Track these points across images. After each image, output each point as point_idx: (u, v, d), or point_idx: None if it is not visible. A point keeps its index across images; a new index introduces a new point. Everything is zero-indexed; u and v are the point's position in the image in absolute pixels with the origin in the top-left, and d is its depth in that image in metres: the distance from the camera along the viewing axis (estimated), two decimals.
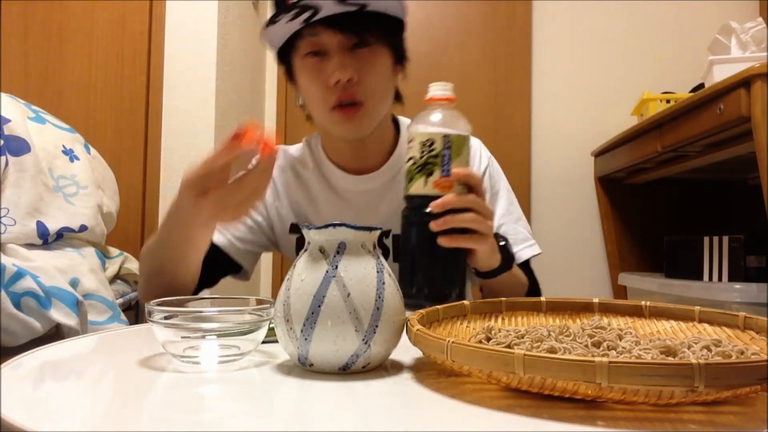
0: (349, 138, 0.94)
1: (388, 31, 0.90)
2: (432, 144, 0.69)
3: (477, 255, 0.76)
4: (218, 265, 0.97)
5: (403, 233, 0.75)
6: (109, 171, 1.53)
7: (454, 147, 0.70)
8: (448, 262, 0.72)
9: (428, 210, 0.69)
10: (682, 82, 2.08)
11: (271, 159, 0.70)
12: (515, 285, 0.89)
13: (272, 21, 0.85)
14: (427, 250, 0.71)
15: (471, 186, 0.74)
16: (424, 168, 0.69)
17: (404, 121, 1.04)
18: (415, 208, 0.72)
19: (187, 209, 0.73)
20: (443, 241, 0.70)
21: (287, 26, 0.85)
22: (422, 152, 0.69)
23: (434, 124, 0.71)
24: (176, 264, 0.82)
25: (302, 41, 0.87)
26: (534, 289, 0.96)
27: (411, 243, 0.73)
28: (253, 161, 0.70)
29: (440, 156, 0.69)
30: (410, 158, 0.72)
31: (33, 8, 1.86)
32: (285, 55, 0.93)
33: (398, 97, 0.99)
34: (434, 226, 0.70)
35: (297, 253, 1.01)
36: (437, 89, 0.74)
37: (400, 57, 0.95)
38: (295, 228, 1.03)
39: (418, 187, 0.70)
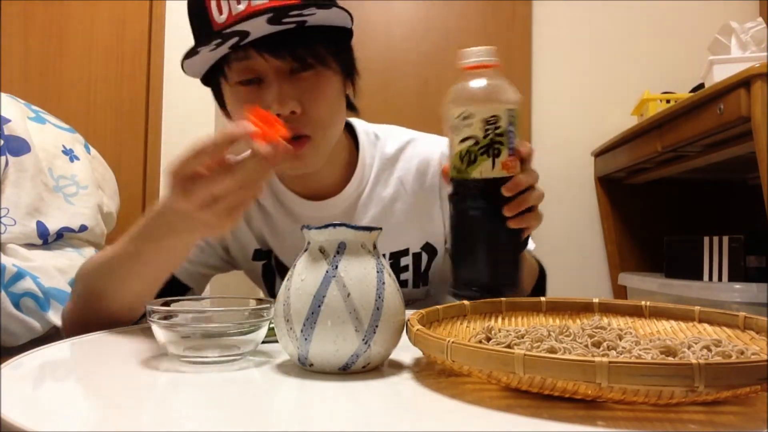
0: (297, 173, 0.85)
1: (334, 47, 0.77)
2: (497, 121, 0.60)
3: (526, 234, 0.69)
4: (164, 287, 0.77)
5: (468, 221, 0.65)
6: (109, 171, 1.53)
7: (516, 120, 0.62)
8: (515, 246, 0.66)
9: (505, 193, 0.62)
10: (682, 82, 2.08)
11: (282, 143, 0.57)
12: (530, 268, 0.85)
13: (192, 52, 0.71)
14: (499, 234, 0.64)
15: (530, 155, 0.66)
16: (491, 148, 0.61)
17: (360, 126, 0.95)
18: (482, 192, 0.63)
19: (174, 205, 0.61)
20: (515, 223, 0.63)
21: (210, 54, 0.72)
22: (486, 131, 0.60)
23: (495, 94, 0.62)
24: (133, 284, 0.70)
25: (231, 68, 0.75)
26: (542, 277, 0.91)
27: (482, 230, 0.64)
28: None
29: (506, 134, 0.61)
30: (469, 137, 0.61)
31: (33, 8, 1.86)
32: (211, 78, 0.80)
33: (351, 107, 0.87)
34: (508, 211, 0.62)
35: (264, 281, 0.97)
36: (482, 55, 0.63)
37: (350, 73, 0.83)
38: (259, 254, 0.95)
39: (486, 170, 0.61)
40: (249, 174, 0.57)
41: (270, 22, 0.69)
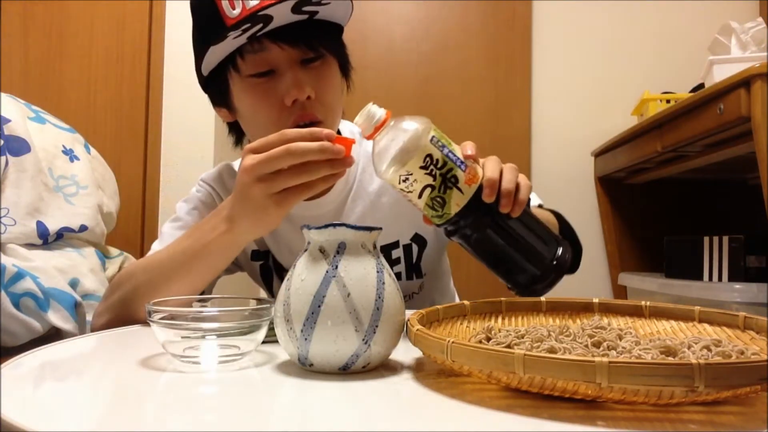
0: None
1: (338, 41, 0.84)
2: (431, 158, 0.58)
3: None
4: None
5: (483, 243, 0.63)
6: (109, 171, 1.53)
7: (444, 141, 0.59)
8: (534, 222, 0.64)
9: (488, 201, 0.60)
10: (682, 82, 2.08)
11: (349, 162, 0.64)
12: (547, 220, 0.84)
13: (219, 39, 0.74)
14: (516, 233, 0.62)
15: (475, 152, 0.63)
16: (446, 182, 0.59)
17: (345, 126, 0.98)
18: (471, 216, 0.61)
19: (242, 198, 0.67)
20: (516, 211, 0.61)
21: (228, 44, 0.75)
22: (431, 173, 0.58)
23: (410, 142, 0.58)
24: (181, 283, 0.73)
25: (246, 60, 0.78)
26: (564, 221, 0.90)
27: (499, 241, 0.62)
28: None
29: (447, 160, 0.58)
30: (424, 189, 0.59)
31: (33, 8, 1.86)
32: (214, 78, 0.83)
33: None
34: (505, 207, 0.60)
35: (263, 280, 0.99)
36: (370, 117, 0.59)
37: (346, 66, 0.88)
38: (256, 255, 0.98)
39: (459, 200, 0.59)
40: (310, 158, 0.62)
41: (294, 9, 0.73)
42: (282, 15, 0.73)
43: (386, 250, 0.95)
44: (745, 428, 0.37)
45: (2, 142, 1.17)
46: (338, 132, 0.95)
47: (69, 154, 1.35)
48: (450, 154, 0.58)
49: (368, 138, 0.60)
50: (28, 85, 1.84)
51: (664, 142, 1.67)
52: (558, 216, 0.91)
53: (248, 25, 0.73)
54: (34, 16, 1.86)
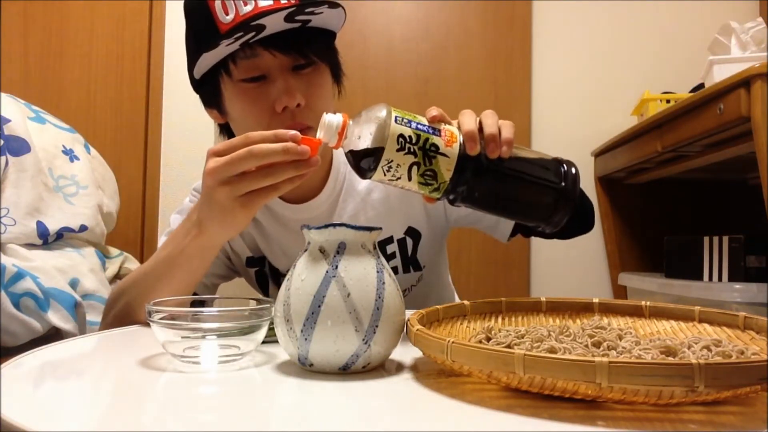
0: None
1: (329, 49, 0.84)
2: (403, 137, 0.57)
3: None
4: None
5: (486, 198, 0.62)
6: (109, 171, 1.53)
7: (407, 116, 0.58)
8: (527, 155, 0.63)
9: (474, 154, 0.59)
10: (682, 82, 2.08)
11: (314, 162, 0.62)
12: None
13: (212, 46, 0.74)
14: (517, 173, 0.61)
15: (442, 114, 0.61)
16: (428, 152, 0.58)
17: None
18: (468, 175, 0.60)
19: (208, 201, 0.67)
20: (507, 152, 0.60)
21: (220, 51, 0.76)
22: (410, 150, 0.57)
23: (377, 132, 0.57)
24: (164, 291, 0.74)
25: (238, 65, 0.78)
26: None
27: (505, 188, 0.62)
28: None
29: (420, 133, 0.57)
30: (410, 167, 0.58)
31: (33, 8, 1.86)
32: (207, 80, 0.83)
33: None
34: (494, 152, 0.59)
35: (259, 286, 1.00)
36: (331, 127, 0.59)
37: (337, 73, 0.88)
38: (251, 261, 0.98)
39: (447, 164, 0.58)
40: (274, 160, 0.61)
41: (287, 18, 0.73)
42: (275, 24, 0.74)
43: (381, 245, 0.96)
44: (745, 428, 0.37)
45: (2, 142, 1.17)
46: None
47: (69, 154, 1.35)
48: (419, 126, 0.58)
49: (336, 147, 0.60)
50: (28, 85, 1.84)
51: (664, 142, 1.67)
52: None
53: (240, 33, 0.73)
54: (34, 16, 1.86)
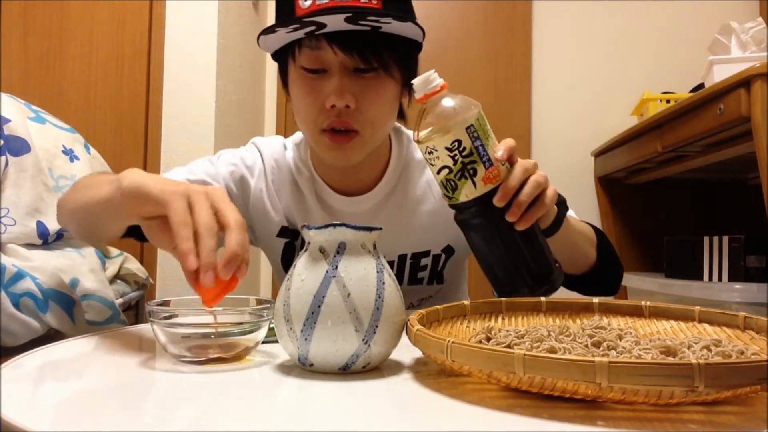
0: (336, 165, 0.87)
1: (401, 56, 0.82)
2: (459, 143, 0.59)
3: (549, 212, 0.68)
4: None
5: (479, 237, 0.64)
6: (109, 171, 1.53)
7: (480, 133, 0.60)
8: (536, 240, 0.64)
9: (496, 204, 0.60)
10: (682, 82, 2.08)
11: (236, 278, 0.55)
12: (583, 233, 0.81)
13: (269, 31, 0.76)
14: (510, 244, 0.62)
15: (511, 154, 0.62)
16: (465, 171, 0.59)
17: (401, 130, 0.97)
18: (477, 210, 0.62)
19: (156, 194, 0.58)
20: (521, 225, 0.61)
21: (287, 35, 0.77)
22: (453, 157, 0.59)
23: (447, 120, 0.60)
24: (100, 230, 0.76)
25: (302, 52, 0.79)
26: (603, 237, 0.87)
27: (493, 245, 0.63)
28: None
29: (474, 151, 0.59)
30: (442, 168, 0.60)
31: (33, 8, 1.86)
32: (281, 58, 0.85)
33: (401, 115, 0.91)
34: (511, 217, 0.60)
35: (282, 259, 0.96)
36: (426, 82, 0.61)
37: (409, 83, 0.86)
38: (284, 232, 0.95)
39: (470, 191, 0.60)
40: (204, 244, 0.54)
41: (348, 20, 0.73)
42: (336, 23, 0.73)
43: (417, 257, 0.95)
44: (745, 428, 0.37)
45: (2, 142, 1.17)
46: (387, 143, 0.94)
47: (69, 154, 1.35)
48: (480, 148, 0.60)
49: (418, 101, 0.62)
50: (28, 85, 1.84)
51: (664, 142, 1.67)
52: (598, 233, 0.88)
53: (297, 25, 0.74)
54: (34, 16, 1.86)
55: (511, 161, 0.62)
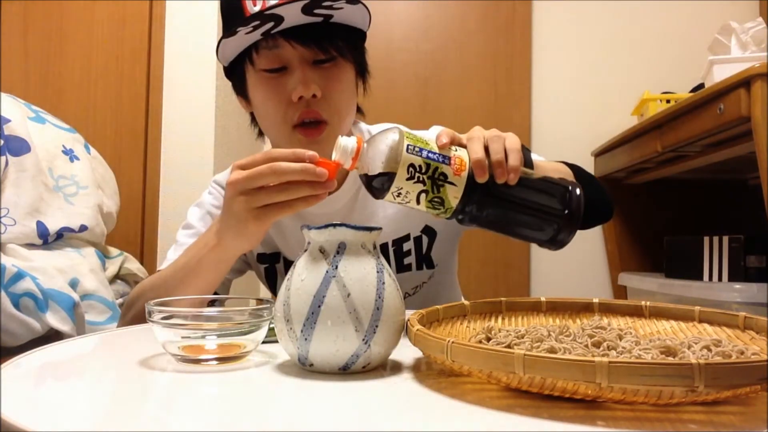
0: None
1: (352, 44, 0.85)
2: (413, 166, 0.58)
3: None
4: None
5: (491, 220, 0.63)
6: (109, 171, 1.53)
7: (420, 144, 0.59)
8: (535, 180, 0.64)
9: (482, 182, 0.60)
10: (682, 82, 2.08)
11: (330, 185, 0.64)
12: (556, 169, 0.82)
13: (230, 33, 0.77)
14: (522, 199, 0.62)
15: (452, 138, 0.63)
16: (437, 181, 0.59)
17: (360, 125, 0.99)
18: (474, 203, 0.61)
19: (227, 211, 0.69)
20: (513, 178, 0.61)
21: (244, 38, 0.78)
22: (419, 180, 0.59)
23: (388, 160, 0.59)
24: (186, 294, 0.77)
25: (260, 54, 0.81)
26: (580, 170, 0.89)
27: (510, 213, 0.63)
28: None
29: (430, 162, 0.59)
30: (419, 195, 0.60)
31: (33, 8, 1.86)
32: (236, 68, 0.86)
33: (359, 110, 0.94)
34: (501, 178, 0.60)
35: (268, 283, 1.00)
36: (345, 150, 0.61)
37: (362, 71, 0.90)
38: (262, 258, 0.99)
39: (455, 193, 0.60)
40: (292, 178, 0.63)
41: (304, 10, 0.75)
42: (294, 16, 0.75)
43: (398, 243, 0.96)
44: (745, 428, 0.37)
45: (2, 142, 1.17)
46: (351, 134, 0.95)
47: (69, 154, 1.35)
48: (430, 155, 0.59)
49: (350, 169, 0.62)
50: (28, 85, 1.84)
51: (664, 142, 1.67)
52: (573, 166, 0.89)
53: (258, 22, 0.75)
54: (34, 16, 1.86)
55: (460, 144, 0.62)
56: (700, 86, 1.77)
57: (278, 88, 0.81)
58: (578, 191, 0.63)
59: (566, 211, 0.62)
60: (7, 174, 1.16)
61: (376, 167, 0.59)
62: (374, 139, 0.61)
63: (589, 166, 2.29)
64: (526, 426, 0.37)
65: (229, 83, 0.93)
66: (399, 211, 0.94)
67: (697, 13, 2.30)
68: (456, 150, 0.61)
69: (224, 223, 0.71)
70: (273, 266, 1.00)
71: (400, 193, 0.60)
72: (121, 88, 1.87)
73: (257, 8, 0.77)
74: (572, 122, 2.35)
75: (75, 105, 1.85)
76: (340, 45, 0.82)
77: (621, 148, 2.00)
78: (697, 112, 1.48)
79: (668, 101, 1.90)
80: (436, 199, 0.60)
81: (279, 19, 0.75)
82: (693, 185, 2.15)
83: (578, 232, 0.99)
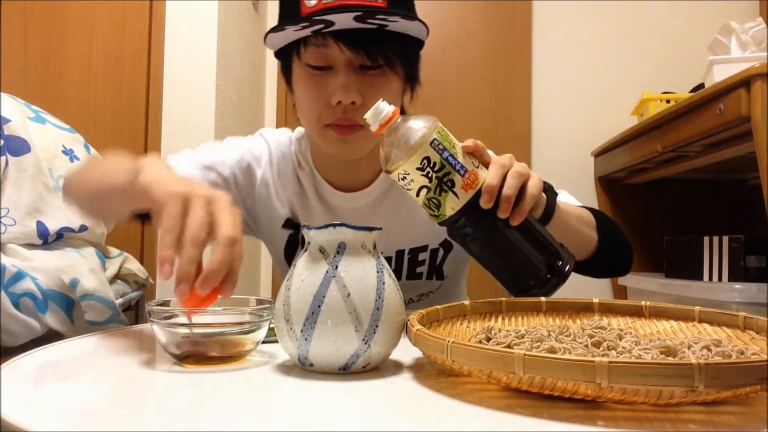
0: (341, 158, 0.87)
1: (405, 54, 0.83)
2: (428, 160, 0.58)
3: (538, 203, 0.67)
4: None
5: (478, 245, 0.63)
6: None
7: (446, 144, 0.59)
8: (536, 231, 0.63)
9: (485, 208, 0.59)
10: (682, 82, 2.08)
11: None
12: (579, 217, 0.78)
13: (279, 28, 0.77)
14: (513, 240, 0.61)
15: (478, 148, 0.62)
16: (443, 185, 0.59)
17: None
18: (467, 220, 0.61)
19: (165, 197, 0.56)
20: (516, 220, 0.60)
21: (293, 33, 0.78)
22: (427, 175, 0.58)
23: (410, 142, 0.58)
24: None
25: (308, 49, 0.80)
26: (604, 217, 0.85)
27: (495, 247, 0.62)
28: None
29: (445, 164, 0.58)
30: (420, 189, 0.59)
31: (33, 8, 1.86)
32: (285, 55, 0.85)
33: (402, 112, 0.90)
34: (503, 213, 0.59)
35: (285, 250, 0.96)
36: (377, 114, 0.61)
37: (411, 79, 0.89)
38: (289, 223, 0.95)
39: (453, 203, 0.59)
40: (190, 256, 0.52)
41: (356, 19, 0.74)
42: (344, 22, 0.74)
43: (414, 251, 0.95)
44: (745, 428, 0.37)
45: (2, 142, 1.17)
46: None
47: (69, 154, 1.35)
48: (450, 158, 0.59)
49: (375, 132, 0.61)
50: (28, 85, 1.84)
51: (664, 142, 1.67)
52: (597, 214, 0.85)
53: (307, 23, 0.74)
54: (34, 16, 1.86)
55: (484, 162, 0.62)
56: (700, 86, 1.77)
57: (319, 87, 0.80)
58: (569, 267, 0.63)
59: (548, 276, 0.62)
60: (7, 174, 1.16)
61: (397, 145, 0.59)
62: (409, 118, 0.60)
63: (589, 166, 2.29)
64: (526, 426, 0.37)
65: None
66: (422, 221, 0.91)
67: (697, 13, 2.30)
68: (478, 167, 0.60)
69: (157, 191, 0.58)
70: (296, 236, 0.96)
71: (405, 177, 0.60)
72: (121, 88, 1.87)
73: (313, 2, 0.76)
74: (572, 122, 2.35)
75: (75, 105, 1.85)
76: (389, 54, 0.79)
77: (621, 148, 2.00)
78: (697, 112, 1.48)
79: (668, 101, 1.90)
80: (434, 200, 0.60)
81: (329, 24, 0.74)
82: (693, 185, 2.15)
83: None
